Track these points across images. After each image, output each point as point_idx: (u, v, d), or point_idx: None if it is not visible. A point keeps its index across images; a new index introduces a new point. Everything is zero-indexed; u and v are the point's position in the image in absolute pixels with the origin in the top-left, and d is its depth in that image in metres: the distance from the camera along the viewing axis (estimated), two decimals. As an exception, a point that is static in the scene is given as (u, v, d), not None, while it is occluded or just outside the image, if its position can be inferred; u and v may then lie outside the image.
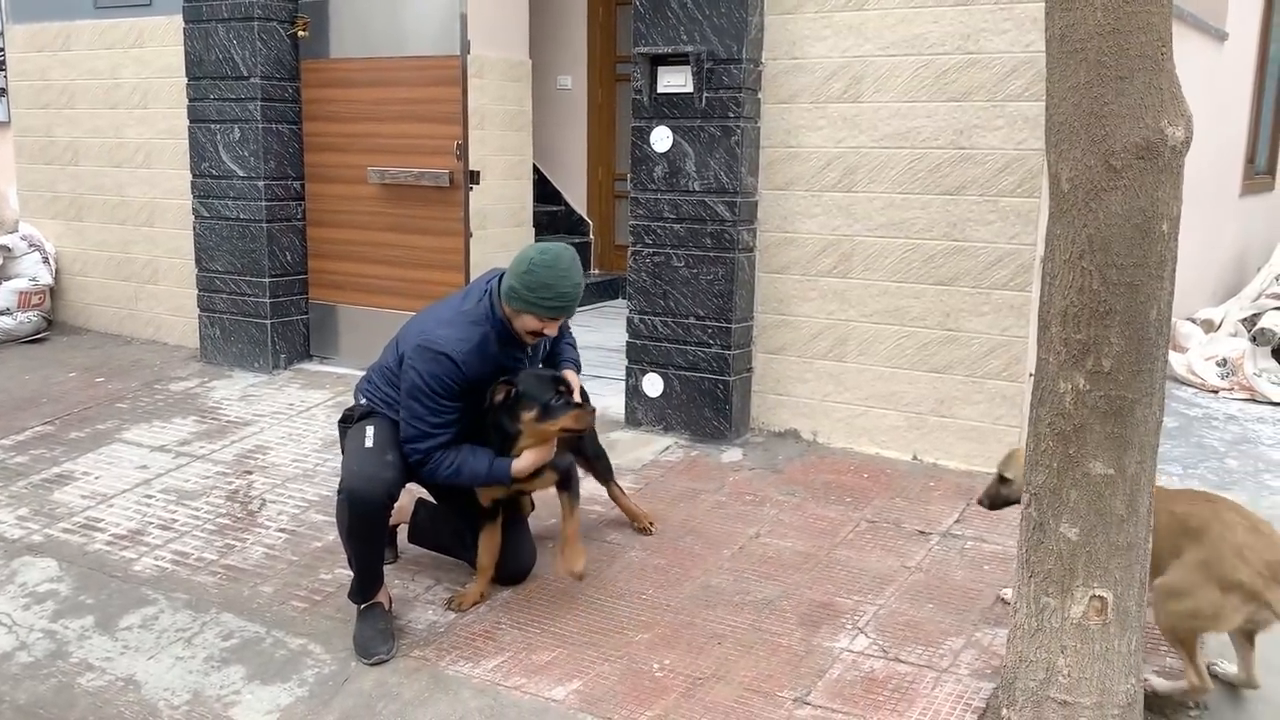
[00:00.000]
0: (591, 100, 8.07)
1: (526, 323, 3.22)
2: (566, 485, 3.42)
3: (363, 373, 3.57)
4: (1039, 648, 2.56)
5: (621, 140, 7.87)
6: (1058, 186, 2.40)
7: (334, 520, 3.91)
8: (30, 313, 6.73)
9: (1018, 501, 3.04)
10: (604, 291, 7.80)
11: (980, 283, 4.16)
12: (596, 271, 8.19)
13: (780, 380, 4.61)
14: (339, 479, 3.22)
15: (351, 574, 3.29)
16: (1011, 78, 4.01)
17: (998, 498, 3.17)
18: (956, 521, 3.87)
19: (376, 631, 3.22)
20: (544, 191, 7.98)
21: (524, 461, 3.25)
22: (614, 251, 8.14)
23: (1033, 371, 2.58)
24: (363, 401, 3.41)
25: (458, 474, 3.24)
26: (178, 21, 5.87)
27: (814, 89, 4.37)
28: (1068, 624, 2.52)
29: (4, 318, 6.65)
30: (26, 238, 6.85)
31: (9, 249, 6.72)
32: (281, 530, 4.03)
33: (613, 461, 3.91)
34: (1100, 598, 2.48)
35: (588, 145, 8.16)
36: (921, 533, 3.80)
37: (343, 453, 3.39)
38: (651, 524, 3.84)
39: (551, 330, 3.26)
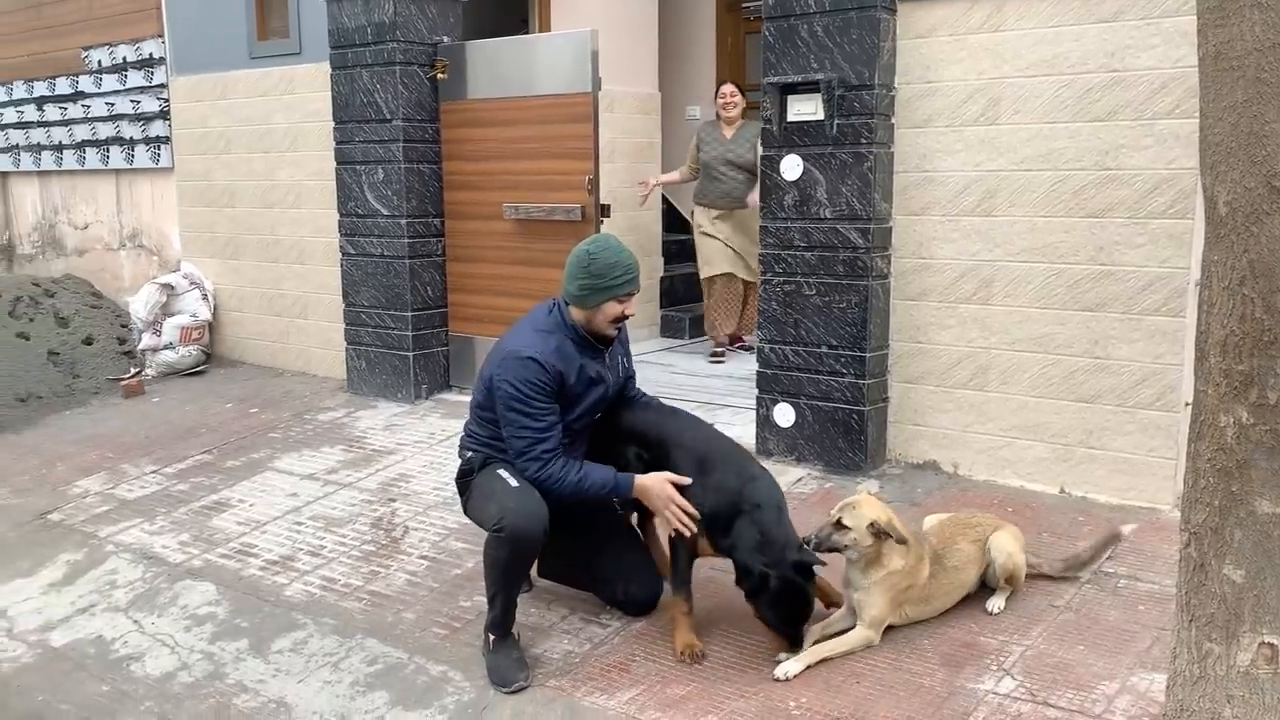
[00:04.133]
0: (721, 129, 8.10)
1: (608, 311, 3.33)
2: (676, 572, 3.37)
3: None
4: (1202, 696, 2.41)
5: (751, 168, 7.86)
6: (1214, 210, 2.28)
7: (472, 547, 4.02)
8: (191, 347, 7.14)
9: (841, 551, 3.16)
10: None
11: (1130, 308, 3.99)
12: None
13: (918, 410, 4.50)
14: (495, 518, 3.19)
15: (490, 606, 3.32)
16: (1160, 95, 3.85)
17: (827, 542, 3.15)
18: (1108, 559, 3.69)
19: (512, 661, 3.27)
20: (672, 221, 8.03)
21: (647, 481, 3.30)
22: (744, 279, 8.10)
23: (1189, 401, 2.45)
24: (469, 455, 3.47)
25: (584, 479, 3.27)
26: (325, 68, 6.16)
27: (949, 112, 4.29)
28: (1234, 672, 2.36)
29: (167, 351, 7.07)
30: (188, 276, 7.28)
31: (172, 287, 7.14)
32: (423, 557, 4.14)
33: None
34: (1270, 645, 2.32)
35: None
36: (1070, 570, 3.64)
37: (471, 502, 3.43)
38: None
39: (631, 309, 3.37)
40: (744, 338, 6.89)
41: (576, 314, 3.36)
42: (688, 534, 3.25)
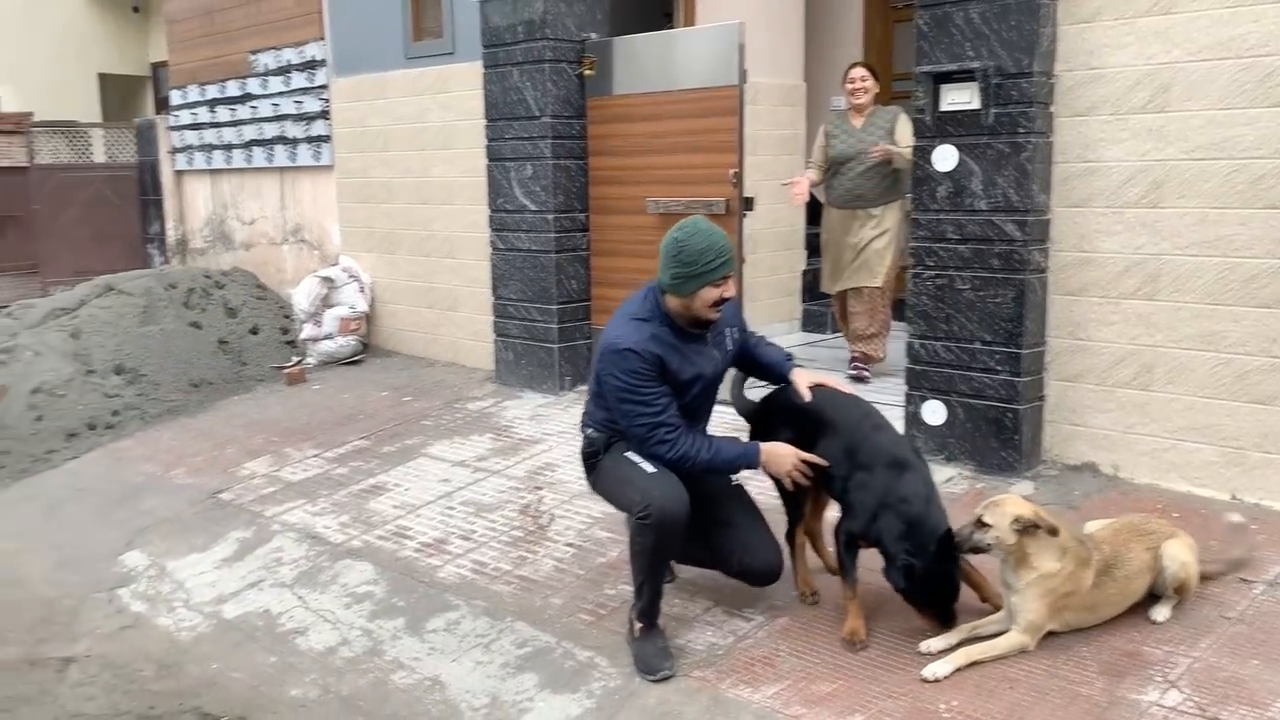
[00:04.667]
0: (867, 121, 7.95)
1: (705, 297, 3.26)
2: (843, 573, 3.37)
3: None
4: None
5: (898, 160, 7.70)
6: None
7: (616, 537, 4.08)
8: (349, 337, 7.45)
9: (986, 550, 3.10)
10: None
11: (1313, 304, 3.75)
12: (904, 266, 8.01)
13: (1076, 410, 4.33)
14: (640, 505, 3.23)
15: (638, 595, 3.35)
16: (1352, 76, 3.60)
17: (969, 541, 3.10)
18: (1285, 570, 3.49)
19: (658, 649, 3.31)
20: (815, 214, 7.92)
21: (773, 447, 3.34)
22: (889, 273, 7.95)
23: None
24: (589, 432, 3.50)
25: (717, 455, 3.30)
26: (478, 67, 6.32)
27: (1114, 100, 4.11)
28: None
29: (327, 342, 7.40)
30: (347, 269, 7.60)
31: (332, 280, 7.47)
32: (569, 545, 4.22)
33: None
34: None
35: (863, 166, 8.03)
36: (1244, 580, 3.45)
37: (602, 483, 3.47)
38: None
39: (730, 291, 3.29)
40: (869, 358, 6.02)
41: (673, 302, 3.32)
42: (806, 482, 3.34)
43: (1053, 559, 3.06)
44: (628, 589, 3.74)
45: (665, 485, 3.23)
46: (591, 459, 3.52)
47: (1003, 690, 2.96)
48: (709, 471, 3.35)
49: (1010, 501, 3.11)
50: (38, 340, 6.91)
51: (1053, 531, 3.04)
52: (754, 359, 3.62)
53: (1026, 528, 3.03)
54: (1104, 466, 4.29)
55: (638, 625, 3.36)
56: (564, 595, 3.82)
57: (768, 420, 3.57)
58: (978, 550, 3.11)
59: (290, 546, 4.55)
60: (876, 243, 5.88)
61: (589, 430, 3.53)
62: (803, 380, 3.50)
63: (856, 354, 6.04)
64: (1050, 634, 3.14)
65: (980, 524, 3.08)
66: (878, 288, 5.91)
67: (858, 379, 5.93)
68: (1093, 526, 3.40)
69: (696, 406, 3.46)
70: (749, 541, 3.49)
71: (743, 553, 3.48)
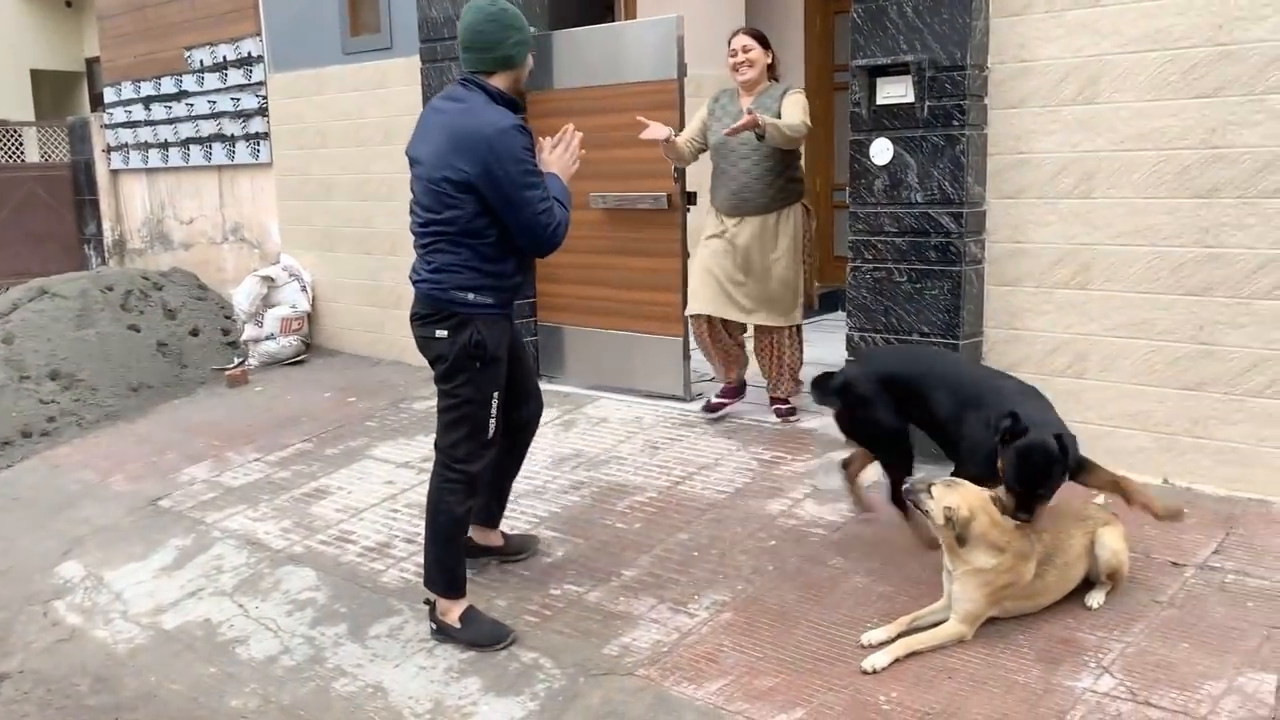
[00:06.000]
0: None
1: (530, 60, 3.44)
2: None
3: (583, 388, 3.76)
4: (1315, 701, 2.32)
5: (840, 150, 7.76)
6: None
7: (562, 536, 4.07)
8: (291, 337, 7.35)
9: (919, 509, 3.17)
10: (823, 305, 7.67)
11: (1239, 292, 3.82)
12: (816, 284, 8.06)
13: (1012, 398, 4.40)
14: (461, 460, 3.44)
15: (439, 566, 3.54)
16: (1272, 68, 3.67)
17: (912, 492, 3.18)
18: (1215, 553, 3.56)
19: (489, 620, 3.53)
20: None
21: (552, 162, 3.45)
22: (833, 263, 8.01)
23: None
24: (470, 298, 3.29)
25: (565, 199, 3.37)
26: (415, 62, 6.25)
27: (1045, 92, 4.16)
28: (1350, 677, 2.26)
29: (268, 342, 7.29)
30: (287, 268, 7.49)
31: (272, 279, 7.36)
32: (513, 546, 4.20)
33: (822, 485, 3.84)
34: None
35: (805, 156, 8.07)
36: (1174, 564, 3.52)
37: (461, 392, 3.36)
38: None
39: None
40: (788, 400, 5.10)
41: (506, 80, 3.35)
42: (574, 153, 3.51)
43: (987, 555, 3.09)
44: (573, 589, 3.76)
45: (489, 458, 3.50)
46: (478, 349, 3.29)
47: (941, 680, 3.00)
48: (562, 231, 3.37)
49: (964, 491, 3.11)
50: (-32, 347, 6.74)
51: (961, 542, 3.07)
52: None
53: (949, 521, 3.06)
54: (1041, 454, 4.35)
55: (457, 606, 3.51)
56: (509, 596, 3.80)
57: (856, 394, 3.77)
58: (916, 506, 3.18)
59: (230, 554, 4.48)
60: (778, 268, 4.87)
61: (467, 294, 3.27)
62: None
63: (776, 398, 5.10)
64: (990, 620, 3.19)
65: (929, 490, 3.12)
66: (790, 327, 4.97)
67: (788, 418, 5.05)
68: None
69: None
70: (536, 395, 3.83)
71: (532, 403, 3.80)
